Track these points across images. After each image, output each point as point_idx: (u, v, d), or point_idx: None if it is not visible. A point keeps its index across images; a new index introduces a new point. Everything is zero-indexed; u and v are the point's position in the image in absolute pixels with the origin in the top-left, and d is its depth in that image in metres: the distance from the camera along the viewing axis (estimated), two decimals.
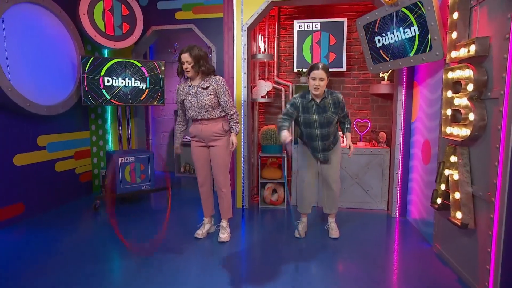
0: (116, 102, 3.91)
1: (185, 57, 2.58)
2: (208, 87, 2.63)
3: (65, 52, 3.73)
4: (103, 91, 3.81)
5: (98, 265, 2.41)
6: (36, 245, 2.75)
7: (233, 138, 2.76)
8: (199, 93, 2.64)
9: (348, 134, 2.90)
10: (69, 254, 2.60)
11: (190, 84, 2.69)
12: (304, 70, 3.89)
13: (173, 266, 2.39)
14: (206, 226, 2.96)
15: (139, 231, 3.07)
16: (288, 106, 2.74)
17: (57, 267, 2.38)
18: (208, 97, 2.62)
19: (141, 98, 4.08)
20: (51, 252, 2.64)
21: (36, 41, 3.37)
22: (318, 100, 2.67)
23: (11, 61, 3.06)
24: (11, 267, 2.39)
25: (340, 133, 3.06)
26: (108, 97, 3.83)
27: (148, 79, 4.10)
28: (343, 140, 3.44)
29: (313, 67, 2.61)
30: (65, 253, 2.62)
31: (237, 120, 2.74)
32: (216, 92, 2.63)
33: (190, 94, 2.68)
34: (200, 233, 2.90)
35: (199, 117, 2.69)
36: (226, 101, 2.65)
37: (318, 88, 2.58)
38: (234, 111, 2.71)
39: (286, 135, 2.55)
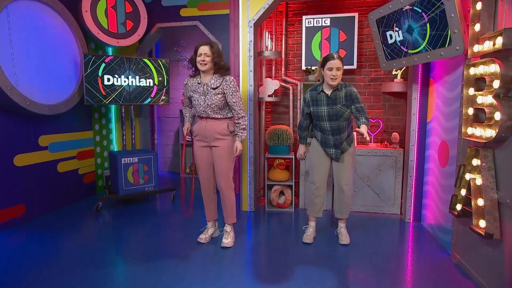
0: (113, 102, 3.81)
1: (205, 49, 2.48)
2: (218, 87, 2.52)
3: (67, 50, 3.64)
4: (102, 90, 3.70)
5: (100, 269, 2.32)
6: (37, 248, 2.67)
7: (238, 144, 2.59)
8: (207, 91, 2.54)
9: (364, 126, 2.43)
10: (70, 258, 2.51)
11: (199, 81, 2.58)
12: (313, 68, 3.74)
13: (175, 272, 2.27)
14: (209, 231, 2.83)
15: (141, 233, 2.98)
16: (302, 106, 2.74)
17: (58, 271, 2.30)
18: (215, 97, 2.52)
19: (149, 97, 3.97)
20: (52, 255, 2.55)
21: (37, 38, 3.28)
22: (328, 92, 2.57)
23: (14, 59, 2.98)
24: (11, 271, 2.30)
25: (354, 134, 2.82)
26: (104, 97, 3.72)
27: (152, 77, 4.00)
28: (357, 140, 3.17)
29: (327, 58, 2.52)
30: (67, 257, 2.53)
31: (243, 126, 2.58)
32: (225, 92, 2.52)
33: (198, 91, 2.57)
34: (203, 237, 2.78)
35: (204, 115, 2.59)
36: (234, 102, 2.53)
37: (336, 78, 2.50)
38: (242, 114, 2.57)
39: (301, 153, 2.89)
